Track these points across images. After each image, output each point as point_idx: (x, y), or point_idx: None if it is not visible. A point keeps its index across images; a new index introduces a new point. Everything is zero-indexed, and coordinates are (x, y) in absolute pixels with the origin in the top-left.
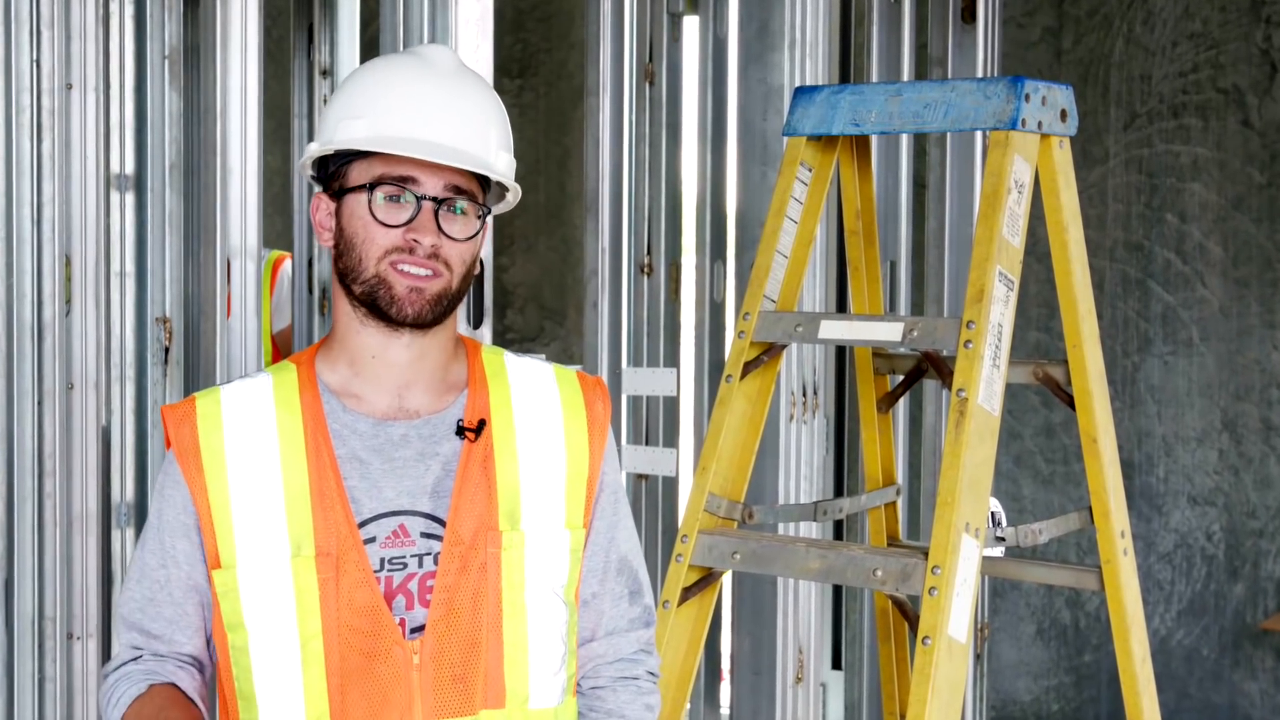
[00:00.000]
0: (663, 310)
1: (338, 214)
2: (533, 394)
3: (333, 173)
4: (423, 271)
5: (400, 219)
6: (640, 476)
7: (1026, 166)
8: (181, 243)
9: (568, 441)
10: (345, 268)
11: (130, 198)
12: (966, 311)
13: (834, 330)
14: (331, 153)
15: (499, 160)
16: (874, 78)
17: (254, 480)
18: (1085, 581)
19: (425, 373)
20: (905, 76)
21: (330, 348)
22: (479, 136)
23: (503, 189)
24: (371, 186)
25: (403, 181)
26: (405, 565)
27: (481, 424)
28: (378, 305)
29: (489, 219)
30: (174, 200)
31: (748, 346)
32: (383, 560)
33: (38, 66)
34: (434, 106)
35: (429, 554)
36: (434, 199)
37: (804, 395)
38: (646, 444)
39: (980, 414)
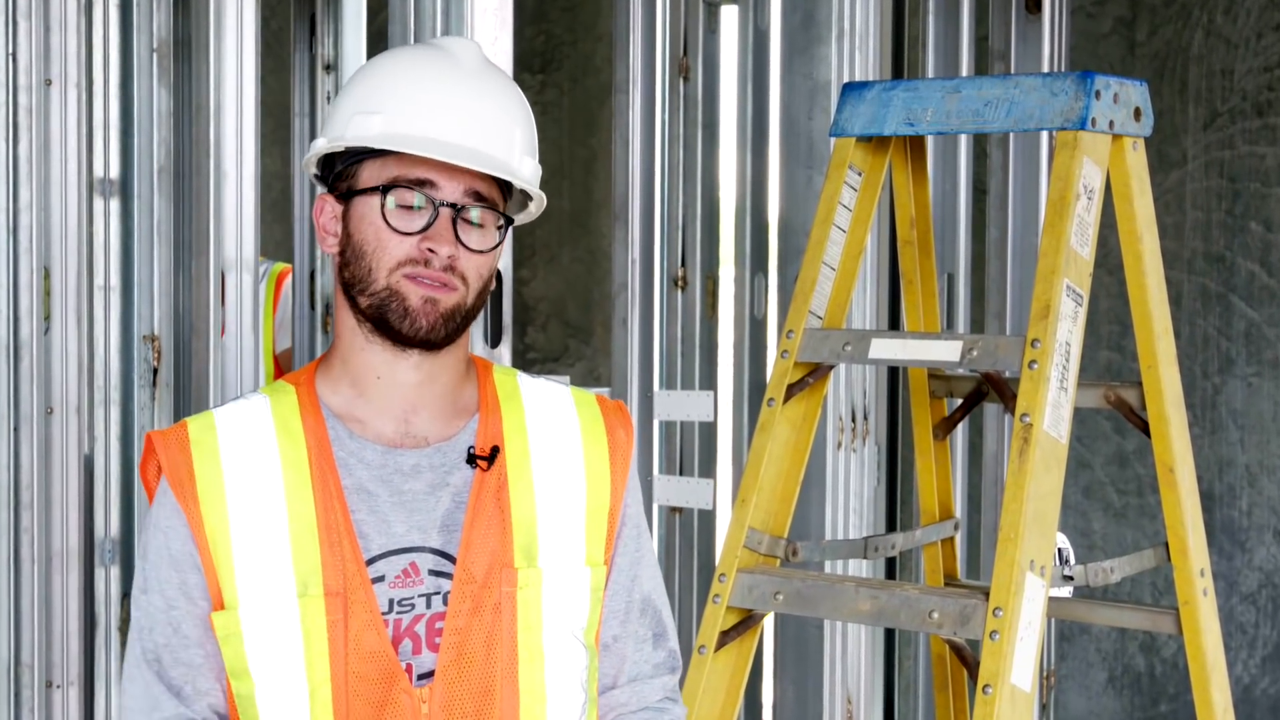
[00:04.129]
0: (698, 328)
1: (344, 218)
2: (549, 419)
3: (340, 172)
4: (437, 284)
5: (415, 226)
6: (674, 509)
7: (1097, 170)
8: (171, 253)
9: (587, 471)
10: (352, 277)
11: (115, 204)
12: (1031, 329)
13: (886, 349)
14: (340, 150)
15: (524, 166)
16: (930, 73)
17: (256, 513)
18: (1161, 624)
19: (434, 396)
20: (964, 71)
21: (331, 366)
22: (503, 139)
23: (525, 197)
24: (385, 189)
25: (420, 185)
26: (413, 606)
27: (494, 451)
28: (387, 320)
29: (509, 230)
30: (163, 207)
31: (791, 367)
32: (391, 601)
33: (14, 60)
34: (456, 105)
35: (438, 593)
36: (453, 205)
37: (853, 420)
38: (681, 474)
39: (1046, 441)
